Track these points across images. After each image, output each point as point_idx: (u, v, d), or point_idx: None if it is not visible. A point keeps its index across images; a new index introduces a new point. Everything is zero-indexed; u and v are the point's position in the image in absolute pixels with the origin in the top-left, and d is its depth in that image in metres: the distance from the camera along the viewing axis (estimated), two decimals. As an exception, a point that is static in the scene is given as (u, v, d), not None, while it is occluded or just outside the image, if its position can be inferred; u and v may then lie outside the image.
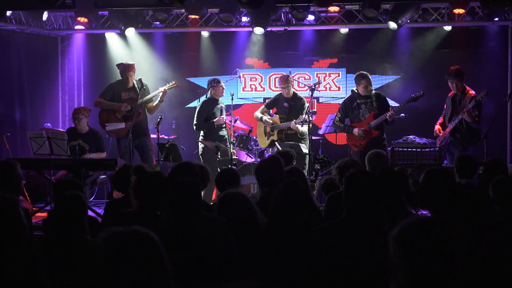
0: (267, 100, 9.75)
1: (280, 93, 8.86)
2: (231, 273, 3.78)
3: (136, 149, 8.86)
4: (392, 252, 2.16)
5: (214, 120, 8.71)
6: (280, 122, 8.71)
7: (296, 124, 8.37)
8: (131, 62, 9.07)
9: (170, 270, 2.32)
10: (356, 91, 8.21)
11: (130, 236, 2.23)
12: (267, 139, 8.87)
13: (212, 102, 8.86)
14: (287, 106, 8.70)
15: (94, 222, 4.46)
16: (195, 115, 8.90)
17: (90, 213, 7.11)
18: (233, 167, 7.01)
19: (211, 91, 8.87)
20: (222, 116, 8.68)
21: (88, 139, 8.65)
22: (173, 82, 8.99)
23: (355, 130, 8.09)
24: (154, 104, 8.91)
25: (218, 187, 4.88)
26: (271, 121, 8.79)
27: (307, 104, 8.53)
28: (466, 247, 3.15)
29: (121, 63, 9.06)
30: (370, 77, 8.15)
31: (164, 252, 2.29)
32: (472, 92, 7.74)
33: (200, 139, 8.78)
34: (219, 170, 8.73)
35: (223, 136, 8.76)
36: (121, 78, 9.02)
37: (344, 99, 8.63)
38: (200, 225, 3.63)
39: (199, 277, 3.34)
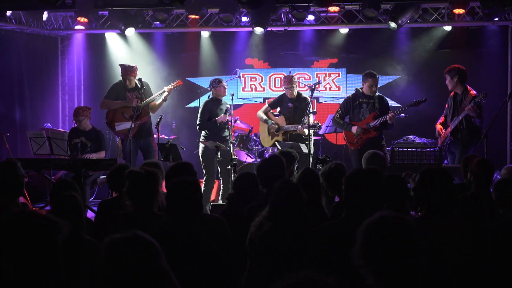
0: (267, 100, 9.74)
1: (284, 93, 8.80)
2: (232, 269, 3.78)
3: (140, 149, 8.81)
4: (355, 249, 2.16)
5: (217, 118, 8.64)
6: (286, 123, 8.64)
7: (303, 128, 8.31)
8: (133, 65, 8.84)
9: (171, 274, 2.32)
10: (360, 90, 8.17)
11: (130, 242, 2.24)
12: (271, 139, 8.83)
13: (214, 102, 8.78)
14: (292, 106, 8.64)
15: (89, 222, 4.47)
16: (198, 115, 8.77)
17: (89, 213, 7.15)
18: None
19: (213, 92, 8.80)
20: (224, 115, 8.62)
21: (91, 137, 8.62)
22: (177, 81, 8.91)
23: (354, 128, 8.07)
24: (157, 102, 8.79)
25: (236, 190, 4.82)
26: (276, 126, 8.74)
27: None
28: (453, 246, 3.14)
29: (123, 65, 8.86)
30: (378, 78, 8.13)
31: (164, 256, 2.30)
32: (474, 92, 7.72)
33: (201, 139, 8.74)
34: (219, 170, 8.79)
35: (226, 136, 8.71)
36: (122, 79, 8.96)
37: (346, 96, 8.60)
38: (198, 224, 3.60)
39: (199, 277, 3.33)
